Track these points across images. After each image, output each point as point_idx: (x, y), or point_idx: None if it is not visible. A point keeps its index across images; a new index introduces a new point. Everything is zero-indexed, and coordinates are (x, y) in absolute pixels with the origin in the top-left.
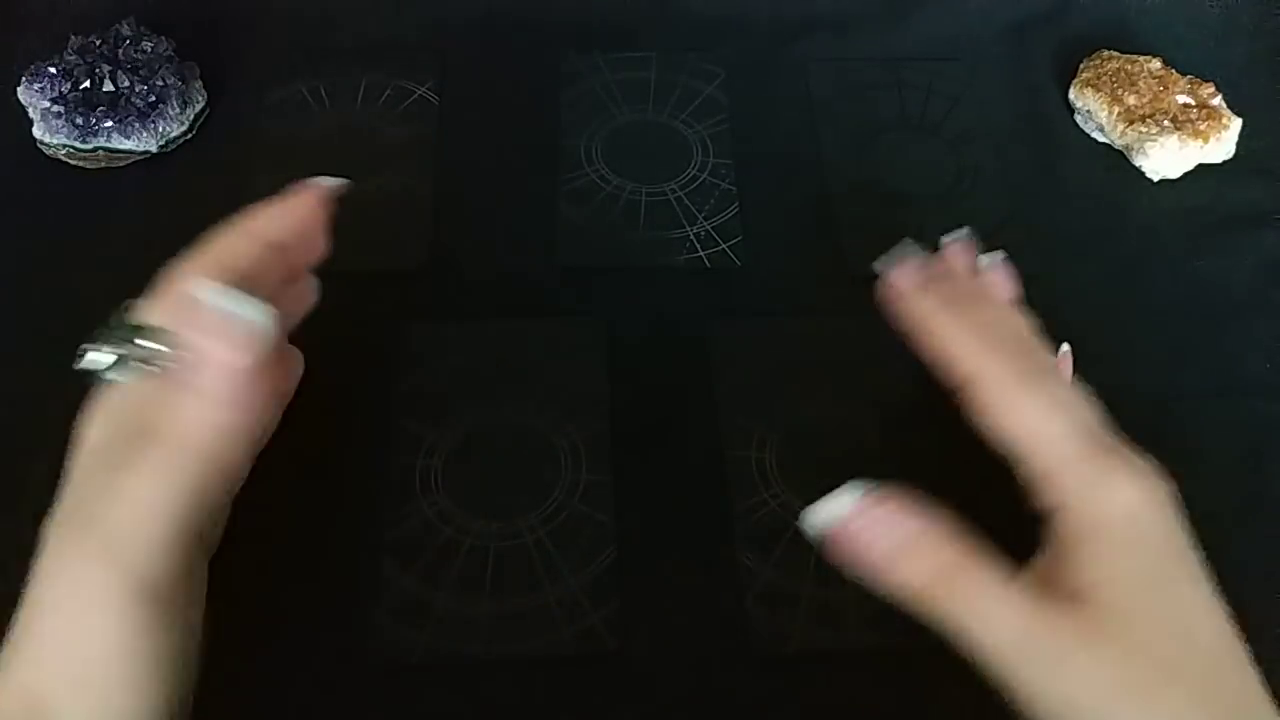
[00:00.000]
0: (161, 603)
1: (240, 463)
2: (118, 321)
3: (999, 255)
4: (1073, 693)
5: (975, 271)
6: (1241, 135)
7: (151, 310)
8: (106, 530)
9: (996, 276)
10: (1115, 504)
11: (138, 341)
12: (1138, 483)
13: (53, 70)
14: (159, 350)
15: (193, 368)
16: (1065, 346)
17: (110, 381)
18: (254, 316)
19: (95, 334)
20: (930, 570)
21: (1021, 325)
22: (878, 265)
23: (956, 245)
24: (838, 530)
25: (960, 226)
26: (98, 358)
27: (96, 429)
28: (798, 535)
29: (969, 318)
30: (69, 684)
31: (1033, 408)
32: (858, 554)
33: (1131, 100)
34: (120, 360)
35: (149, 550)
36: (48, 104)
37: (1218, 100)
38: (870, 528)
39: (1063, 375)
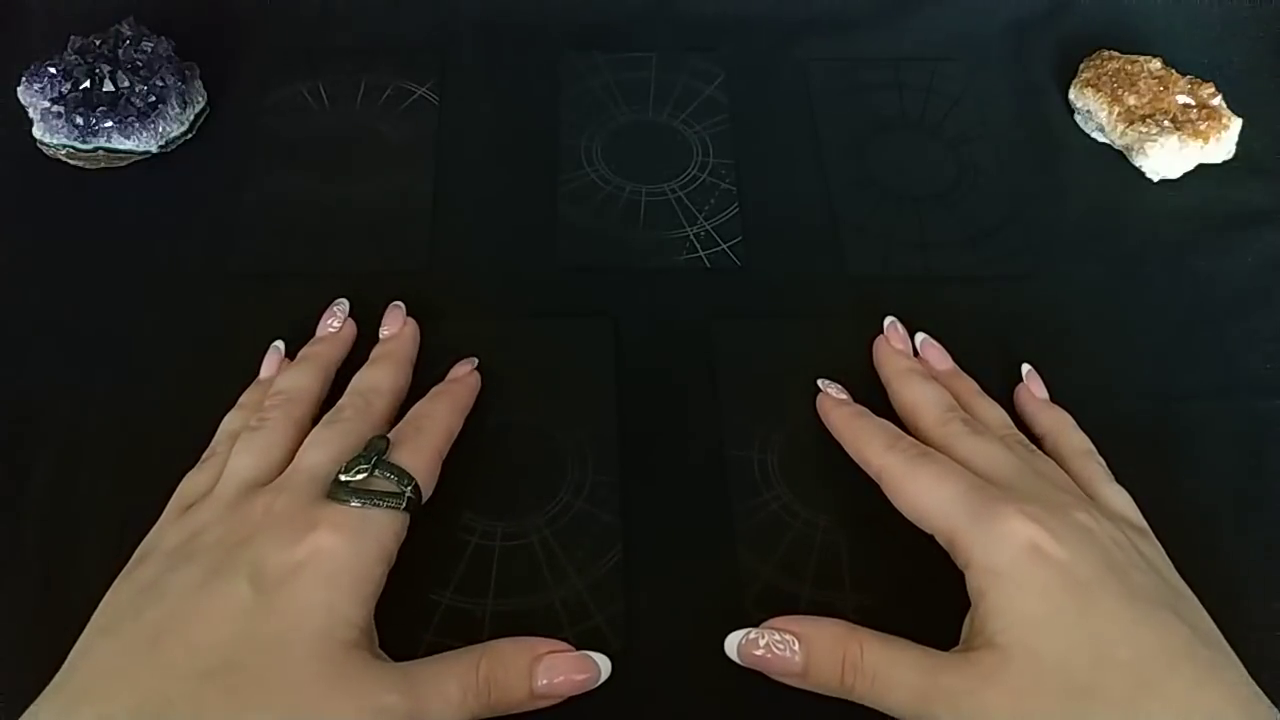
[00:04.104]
0: None
1: None
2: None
3: (924, 336)
4: None
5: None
6: (1241, 135)
7: None
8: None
9: (931, 353)
10: (1005, 552)
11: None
12: (1025, 524)
13: (53, 70)
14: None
15: None
16: (1027, 367)
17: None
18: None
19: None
20: (833, 666)
21: (941, 398)
22: (820, 382)
23: (891, 331)
24: (750, 663)
25: (960, 226)
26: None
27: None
28: (798, 536)
29: (872, 419)
30: None
31: (919, 487)
32: (776, 676)
33: (1131, 100)
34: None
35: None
36: (48, 104)
37: (1218, 100)
38: (771, 651)
39: (1039, 394)
